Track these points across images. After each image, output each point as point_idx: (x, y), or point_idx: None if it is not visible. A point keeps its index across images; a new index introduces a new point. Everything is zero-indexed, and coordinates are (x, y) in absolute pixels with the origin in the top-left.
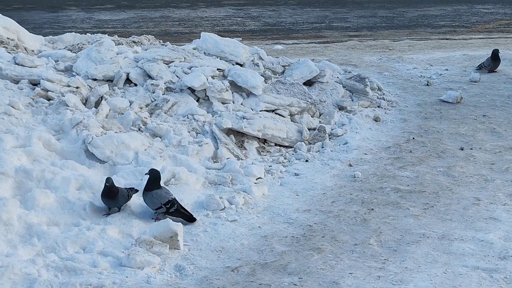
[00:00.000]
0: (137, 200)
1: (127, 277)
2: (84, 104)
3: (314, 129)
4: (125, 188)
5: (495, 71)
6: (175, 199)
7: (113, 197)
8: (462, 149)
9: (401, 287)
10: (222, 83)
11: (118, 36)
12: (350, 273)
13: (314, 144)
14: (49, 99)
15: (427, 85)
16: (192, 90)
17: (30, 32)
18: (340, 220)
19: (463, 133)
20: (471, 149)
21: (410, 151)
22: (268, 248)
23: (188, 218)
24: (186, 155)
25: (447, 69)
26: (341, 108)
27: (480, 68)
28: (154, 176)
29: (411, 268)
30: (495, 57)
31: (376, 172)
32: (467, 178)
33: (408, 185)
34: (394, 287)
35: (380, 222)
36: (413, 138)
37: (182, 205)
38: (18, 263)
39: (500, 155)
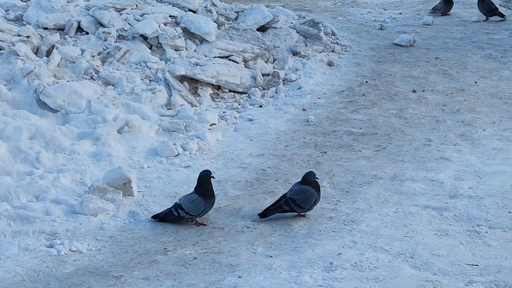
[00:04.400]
0: (90, 149)
1: (80, 224)
2: (35, 53)
3: (268, 75)
4: None
5: (448, 14)
6: None
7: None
8: (414, 92)
9: (353, 227)
10: (175, 30)
11: None
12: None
13: (268, 89)
14: None
15: (381, 29)
16: (144, 38)
17: None
18: (293, 164)
19: (415, 75)
20: (423, 91)
21: (363, 95)
22: (222, 193)
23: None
24: (139, 102)
25: (400, 13)
26: (295, 54)
27: (433, 11)
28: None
29: (362, 209)
30: (448, 0)
31: (329, 115)
32: (419, 119)
33: (360, 128)
34: (346, 227)
35: (333, 164)
36: (366, 81)
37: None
38: None
39: (451, 96)
